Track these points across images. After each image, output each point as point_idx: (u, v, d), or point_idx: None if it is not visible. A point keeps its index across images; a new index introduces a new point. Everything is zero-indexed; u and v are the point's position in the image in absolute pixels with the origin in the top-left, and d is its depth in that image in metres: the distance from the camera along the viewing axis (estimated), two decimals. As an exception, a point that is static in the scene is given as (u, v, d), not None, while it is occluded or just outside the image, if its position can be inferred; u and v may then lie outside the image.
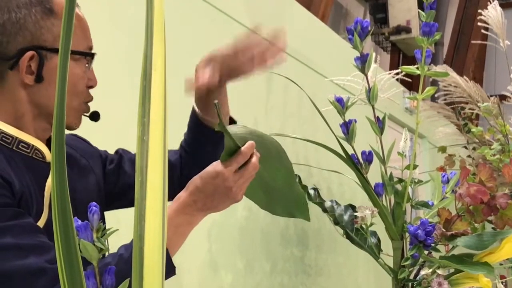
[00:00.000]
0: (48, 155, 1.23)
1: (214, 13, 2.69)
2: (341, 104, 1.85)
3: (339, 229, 1.85)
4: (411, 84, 3.01)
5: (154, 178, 0.52)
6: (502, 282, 1.85)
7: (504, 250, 1.57)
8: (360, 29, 1.80)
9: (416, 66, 1.75)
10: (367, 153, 1.82)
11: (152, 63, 0.53)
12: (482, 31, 2.74)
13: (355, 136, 1.82)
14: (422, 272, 1.68)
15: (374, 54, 1.85)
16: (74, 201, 0.55)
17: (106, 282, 0.78)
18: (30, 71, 1.20)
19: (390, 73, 2.15)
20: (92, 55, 1.26)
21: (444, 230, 1.60)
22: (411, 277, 1.69)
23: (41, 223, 1.16)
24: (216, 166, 1.17)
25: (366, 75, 1.82)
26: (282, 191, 1.39)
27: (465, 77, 2.74)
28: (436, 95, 2.53)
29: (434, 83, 3.91)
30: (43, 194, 1.19)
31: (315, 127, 3.22)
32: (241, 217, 2.72)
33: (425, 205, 1.77)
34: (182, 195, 1.18)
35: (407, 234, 1.70)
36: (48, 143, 1.26)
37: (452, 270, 1.66)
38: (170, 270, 1.16)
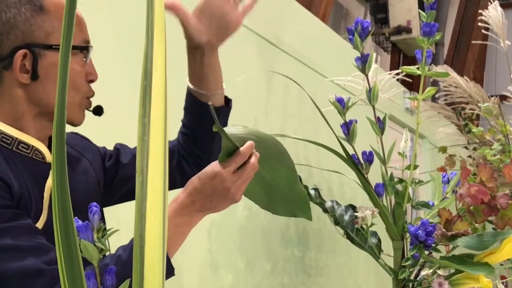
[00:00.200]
0: (48, 156, 1.23)
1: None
2: (341, 104, 1.85)
3: (340, 229, 1.85)
4: (411, 84, 3.01)
5: (154, 178, 0.52)
6: (502, 283, 1.85)
7: (504, 251, 1.57)
8: (361, 29, 1.80)
9: (416, 66, 1.75)
10: (367, 153, 1.82)
11: (153, 63, 0.53)
12: (483, 31, 2.74)
13: (356, 136, 1.82)
14: (423, 273, 1.68)
15: (374, 54, 1.85)
16: (74, 201, 0.55)
17: (107, 282, 0.78)
18: (25, 69, 1.19)
19: (390, 73, 2.15)
20: (87, 48, 1.26)
21: (444, 230, 1.60)
22: (412, 277, 1.69)
23: (40, 224, 1.16)
24: (214, 166, 1.17)
25: (366, 75, 1.82)
26: (283, 190, 1.38)
27: (465, 77, 2.74)
28: (436, 95, 2.53)
29: (435, 83, 3.91)
30: (43, 195, 1.18)
31: (315, 127, 3.22)
32: (241, 217, 2.72)
33: (426, 205, 1.77)
34: (180, 195, 1.18)
35: (407, 235, 1.70)
36: (49, 143, 1.26)
37: (452, 271, 1.66)
38: (169, 270, 1.16)
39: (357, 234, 1.82)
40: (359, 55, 1.82)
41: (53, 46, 1.20)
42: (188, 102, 1.47)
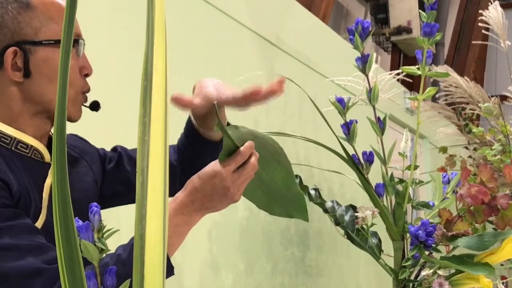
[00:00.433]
0: (47, 156, 1.23)
1: (214, 13, 2.69)
2: (342, 105, 1.85)
3: (340, 229, 1.85)
4: (412, 84, 3.01)
5: (155, 178, 0.52)
6: (503, 283, 1.85)
7: (505, 251, 1.57)
8: (361, 30, 1.80)
9: (417, 66, 1.76)
10: (368, 153, 1.82)
11: (153, 63, 0.53)
12: (483, 31, 2.74)
13: (356, 137, 1.82)
14: (423, 273, 1.68)
15: (375, 55, 1.85)
16: (73, 201, 0.55)
17: (107, 282, 0.78)
18: (17, 67, 1.20)
19: (391, 74, 2.15)
20: (77, 42, 1.24)
21: (445, 230, 1.60)
22: (412, 277, 1.69)
23: (39, 223, 1.16)
24: (214, 165, 1.17)
25: (367, 76, 1.82)
26: (281, 191, 1.38)
27: (465, 77, 2.74)
28: (437, 96, 2.53)
29: (435, 83, 3.91)
30: (42, 195, 1.18)
31: (316, 127, 3.22)
32: (242, 217, 2.72)
33: (426, 205, 1.77)
34: (180, 195, 1.18)
35: (408, 235, 1.70)
36: (47, 142, 1.26)
37: (453, 271, 1.66)
38: (168, 270, 1.16)
39: (357, 234, 1.82)
40: (359, 55, 1.82)
41: (43, 42, 1.20)
42: (189, 131, 1.39)
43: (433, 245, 1.61)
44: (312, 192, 1.96)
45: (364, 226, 1.76)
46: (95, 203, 0.81)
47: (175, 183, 1.34)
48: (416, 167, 1.79)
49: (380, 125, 1.81)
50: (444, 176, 1.79)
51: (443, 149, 2.61)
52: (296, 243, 3.13)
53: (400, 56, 7.49)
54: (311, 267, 3.24)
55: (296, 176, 1.63)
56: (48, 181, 1.20)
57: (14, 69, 1.19)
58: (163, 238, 0.52)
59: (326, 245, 3.39)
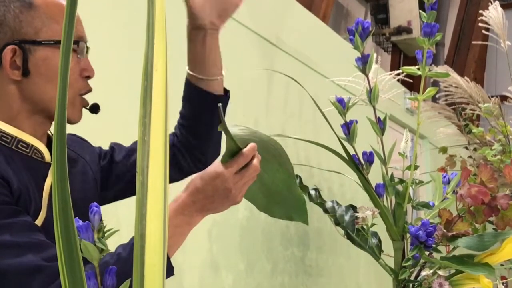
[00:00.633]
0: (47, 155, 1.23)
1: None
2: (342, 105, 1.85)
3: (340, 229, 1.85)
4: (412, 84, 3.01)
5: (155, 178, 0.52)
6: (503, 283, 1.85)
7: (505, 251, 1.57)
8: (361, 30, 1.80)
9: (417, 66, 1.76)
10: (368, 153, 1.82)
11: (153, 64, 0.53)
12: (483, 31, 2.74)
13: (356, 137, 1.82)
14: (423, 273, 1.68)
15: (375, 55, 1.85)
16: (73, 201, 0.55)
17: (107, 282, 0.78)
18: (16, 66, 1.20)
19: (391, 74, 2.15)
20: (77, 43, 1.24)
21: (445, 230, 1.60)
22: (412, 277, 1.69)
23: (38, 222, 1.16)
24: (216, 167, 1.17)
25: (367, 76, 1.82)
26: (281, 193, 1.38)
27: (466, 77, 2.74)
28: (437, 96, 2.53)
29: (435, 83, 3.91)
30: (42, 194, 1.19)
31: (316, 127, 3.22)
32: (242, 217, 2.72)
33: (426, 205, 1.77)
34: (181, 195, 1.18)
35: (408, 235, 1.70)
36: (47, 142, 1.26)
37: (453, 271, 1.66)
38: (168, 270, 1.16)
39: (357, 234, 1.82)
40: (359, 55, 1.82)
41: (43, 42, 1.20)
42: (187, 91, 1.46)
43: (433, 245, 1.61)
44: (312, 192, 1.96)
45: (364, 226, 1.76)
46: (95, 203, 0.81)
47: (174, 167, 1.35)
48: (416, 167, 1.79)
49: (380, 125, 1.81)
50: (444, 176, 1.79)
51: (443, 149, 2.61)
52: (296, 243, 3.13)
53: (400, 56, 7.50)
54: (311, 267, 3.24)
55: (296, 176, 1.62)
56: (48, 180, 1.20)
57: (12, 68, 1.20)
58: (163, 238, 0.52)
59: (326, 245, 3.39)
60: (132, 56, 1.85)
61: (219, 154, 1.48)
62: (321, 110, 1.79)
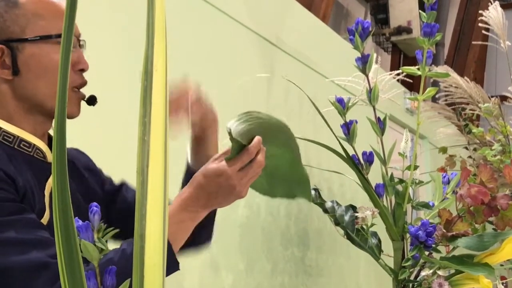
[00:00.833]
0: (49, 155, 1.23)
1: (214, 13, 2.69)
2: (342, 105, 1.85)
3: (340, 229, 1.85)
4: (412, 84, 3.01)
5: (155, 178, 0.52)
6: (502, 283, 1.85)
7: (504, 251, 1.57)
8: (361, 30, 1.80)
9: (417, 66, 1.76)
10: (368, 153, 1.82)
11: (153, 63, 0.53)
12: (483, 31, 2.74)
13: (356, 137, 1.82)
14: (423, 273, 1.68)
15: (375, 55, 1.85)
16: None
17: (107, 282, 0.78)
18: (6, 65, 1.21)
19: (391, 74, 2.15)
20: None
21: (444, 231, 1.60)
22: (412, 277, 1.69)
23: (43, 222, 1.16)
24: (219, 164, 1.16)
25: (367, 76, 1.82)
26: (284, 173, 1.37)
27: (466, 77, 2.74)
28: (437, 96, 2.53)
29: (435, 83, 3.91)
30: (44, 194, 1.19)
31: (316, 127, 3.22)
32: (242, 217, 2.72)
33: (426, 206, 1.77)
34: (185, 190, 1.18)
35: (407, 235, 1.70)
36: (49, 142, 1.26)
37: (452, 271, 1.66)
38: (174, 265, 1.16)
39: (357, 234, 1.82)
40: (359, 55, 1.82)
41: (29, 39, 1.20)
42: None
43: (433, 246, 1.61)
44: (312, 192, 1.96)
45: (364, 226, 1.76)
46: (95, 203, 0.81)
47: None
48: (416, 167, 1.79)
49: (380, 125, 1.81)
50: (444, 176, 1.79)
51: (443, 150, 2.61)
52: (296, 243, 3.13)
53: (400, 56, 7.49)
54: (311, 267, 3.24)
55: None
56: (50, 180, 1.20)
57: (2, 67, 1.20)
58: (163, 238, 0.52)
59: (326, 245, 3.39)
60: (132, 56, 1.85)
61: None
62: (319, 111, 1.79)
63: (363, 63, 1.82)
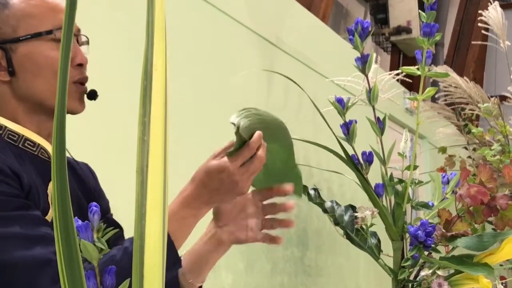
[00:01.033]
0: None
1: (214, 12, 2.69)
2: (341, 105, 1.85)
3: (339, 229, 1.85)
4: (411, 84, 3.01)
5: (154, 177, 0.52)
6: (502, 283, 1.85)
7: (504, 251, 1.57)
8: (361, 30, 1.80)
9: (416, 66, 1.76)
10: (367, 153, 1.82)
11: (153, 63, 0.53)
12: (483, 31, 2.74)
13: (356, 137, 1.82)
14: (422, 273, 1.68)
15: (374, 55, 1.85)
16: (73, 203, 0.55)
17: (107, 282, 0.78)
18: (1, 67, 1.21)
19: (390, 74, 2.15)
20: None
21: (444, 231, 1.60)
22: (411, 277, 1.69)
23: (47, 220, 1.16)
24: (221, 160, 1.16)
25: (366, 76, 1.83)
26: (280, 171, 1.37)
27: (465, 77, 2.74)
28: (436, 96, 2.53)
29: (435, 83, 3.91)
30: (48, 193, 1.19)
31: (315, 127, 3.22)
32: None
33: (425, 205, 1.77)
34: (187, 187, 1.18)
35: (407, 235, 1.70)
36: None
37: (452, 271, 1.66)
38: (176, 262, 1.16)
39: (356, 234, 1.82)
40: (359, 55, 1.82)
41: (21, 38, 1.21)
42: None
43: (433, 245, 1.61)
44: (312, 192, 1.96)
45: (364, 226, 1.76)
46: (94, 203, 0.81)
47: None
48: (415, 167, 1.79)
49: (379, 125, 1.81)
50: (444, 176, 1.79)
51: (443, 149, 2.61)
52: (295, 243, 3.13)
53: (400, 56, 7.50)
54: (310, 267, 3.24)
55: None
56: None
57: None
58: (162, 238, 0.52)
59: (325, 245, 3.39)
60: (131, 55, 1.85)
61: None
62: (319, 111, 1.79)
63: (363, 63, 1.82)
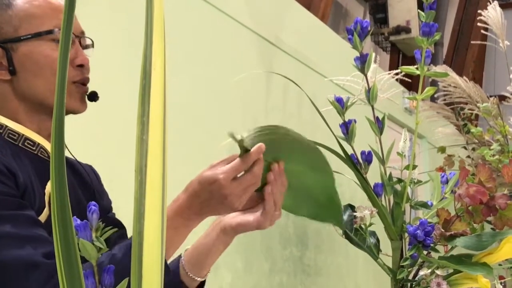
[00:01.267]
0: None
1: (214, 12, 2.69)
2: (340, 104, 1.85)
3: (338, 229, 1.85)
4: (410, 84, 3.01)
5: (153, 176, 0.52)
6: (501, 283, 1.85)
7: (503, 251, 1.57)
8: (360, 29, 1.80)
9: (415, 66, 1.76)
10: (366, 153, 1.82)
11: (152, 62, 0.53)
12: (482, 31, 2.74)
13: (355, 136, 1.82)
14: (421, 273, 1.68)
15: (373, 54, 1.85)
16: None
17: (105, 281, 0.78)
18: (2, 66, 1.22)
19: (389, 73, 2.15)
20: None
21: (443, 230, 1.60)
22: (410, 277, 1.69)
23: (41, 220, 1.16)
24: (214, 171, 1.14)
25: (365, 75, 1.83)
26: (312, 195, 1.33)
27: (464, 77, 2.74)
28: (435, 95, 2.53)
29: (434, 83, 3.91)
30: (45, 192, 1.19)
31: (314, 127, 3.22)
32: (240, 216, 2.71)
33: (424, 205, 1.77)
34: (180, 196, 1.17)
35: (406, 234, 1.70)
36: None
37: (451, 271, 1.66)
38: (166, 272, 1.15)
39: (355, 234, 1.82)
40: (358, 54, 1.82)
41: (22, 38, 1.21)
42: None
43: (432, 245, 1.61)
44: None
45: (363, 226, 1.76)
46: (93, 202, 0.81)
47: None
48: (414, 167, 1.79)
49: (378, 124, 1.81)
50: (443, 176, 1.79)
51: (442, 149, 2.62)
52: (294, 243, 3.13)
53: (399, 55, 7.50)
54: (309, 266, 3.24)
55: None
56: None
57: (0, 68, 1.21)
58: (161, 236, 0.52)
59: (324, 244, 3.39)
60: (131, 55, 1.85)
61: None
62: (318, 110, 1.79)
63: (362, 62, 1.82)
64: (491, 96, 2.63)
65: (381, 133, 1.81)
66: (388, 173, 1.80)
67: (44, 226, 1.13)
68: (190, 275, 1.25)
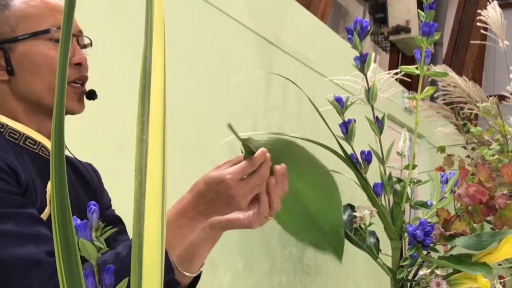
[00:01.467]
0: None
1: (213, 12, 2.69)
2: (340, 104, 1.85)
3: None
4: (410, 84, 3.01)
5: (153, 177, 0.52)
6: (500, 283, 1.85)
7: (502, 251, 1.57)
8: (360, 29, 1.80)
9: (415, 66, 1.76)
10: (366, 153, 1.82)
11: (152, 62, 0.53)
12: (482, 31, 2.75)
13: (354, 136, 1.82)
14: (421, 272, 1.69)
15: (373, 54, 1.85)
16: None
17: (105, 281, 0.78)
18: (1, 67, 1.22)
19: (389, 73, 2.15)
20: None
21: (443, 230, 1.60)
22: (410, 277, 1.70)
23: (43, 217, 1.16)
24: (221, 172, 1.14)
25: (365, 75, 1.83)
26: (316, 221, 1.32)
27: (464, 77, 2.74)
28: (435, 95, 2.53)
29: (433, 83, 3.91)
30: (46, 191, 1.19)
31: (314, 126, 3.22)
32: (240, 216, 2.71)
33: (424, 205, 1.77)
34: (186, 196, 1.17)
35: (406, 234, 1.70)
36: None
37: (450, 270, 1.66)
38: (169, 271, 1.16)
39: (355, 233, 1.82)
40: (358, 54, 1.82)
41: (19, 38, 1.21)
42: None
43: (431, 245, 1.61)
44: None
45: (362, 226, 1.76)
46: (93, 202, 0.81)
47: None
48: (414, 167, 1.79)
49: (378, 124, 1.81)
50: (442, 176, 1.80)
51: (441, 149, 2.62)
52: (294, 242, 3.13)
53: (399, 55, 7.50)
54: (309, 266, 3.24)
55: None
56: None
57: None
58: (161, 237, 0.52)
59: (324, 244, 3.39)
60: (130, 55, 1.85)
61: None
62: (318, 110, 1.79)
63: (362, 62, 1.82)
64: (490, 96, 2.63)
65: (380, 132, 1.81)
66: (387, 173, 1.80)
67: (46, 224, 1.13)
68: (181, 270, 1.26)
